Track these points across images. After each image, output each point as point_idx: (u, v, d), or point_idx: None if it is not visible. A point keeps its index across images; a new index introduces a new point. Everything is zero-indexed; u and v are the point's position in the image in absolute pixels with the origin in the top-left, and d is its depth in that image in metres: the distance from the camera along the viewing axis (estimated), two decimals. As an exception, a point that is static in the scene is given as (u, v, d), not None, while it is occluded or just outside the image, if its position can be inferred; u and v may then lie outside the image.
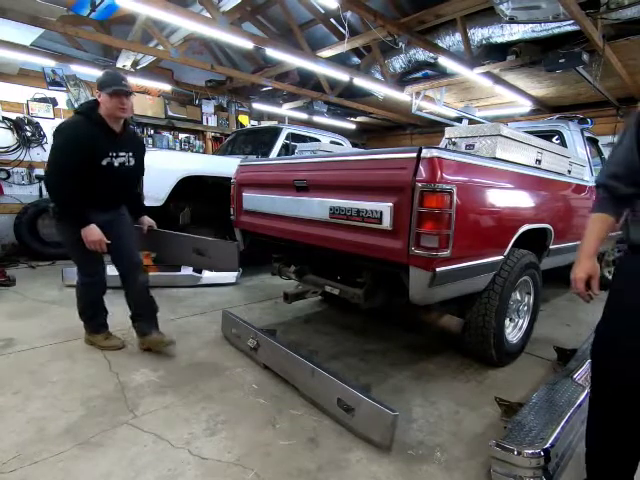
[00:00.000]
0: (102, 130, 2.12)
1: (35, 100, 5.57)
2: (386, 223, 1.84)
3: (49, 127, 5.67)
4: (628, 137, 1.20)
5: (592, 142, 3.82)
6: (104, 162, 2.13)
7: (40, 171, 5.61)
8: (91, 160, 2.09)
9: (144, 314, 2.43)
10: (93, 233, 2.12)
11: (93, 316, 2.43)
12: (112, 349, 2.42)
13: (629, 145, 1.18)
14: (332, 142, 5.08)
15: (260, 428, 1.73)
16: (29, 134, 5.48)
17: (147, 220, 2.57)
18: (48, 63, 5.18)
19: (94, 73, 5.47)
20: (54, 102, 5.74)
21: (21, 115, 5.44)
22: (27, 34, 4.24)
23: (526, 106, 6.44)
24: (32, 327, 2.79)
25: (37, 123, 5.55)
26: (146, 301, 2.44)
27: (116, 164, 2.18)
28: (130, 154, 2.26)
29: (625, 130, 1.23)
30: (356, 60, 6.26)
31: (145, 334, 2.40)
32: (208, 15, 4.08)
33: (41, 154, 5.63)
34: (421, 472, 1.52)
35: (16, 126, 5.37)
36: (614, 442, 1.24)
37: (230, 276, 4.06)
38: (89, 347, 2.47)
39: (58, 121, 5.76)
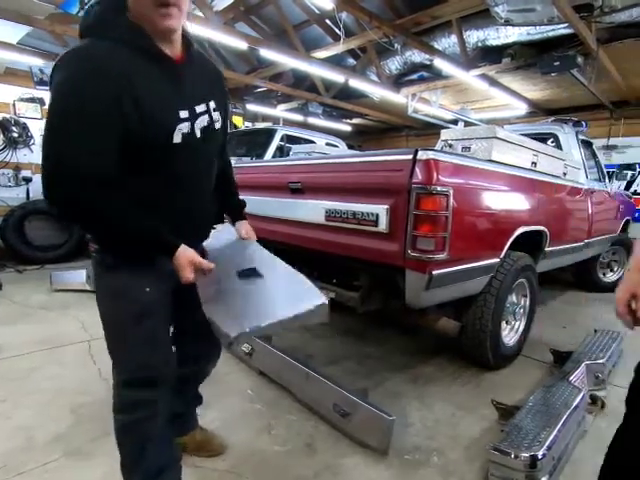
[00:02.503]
0: (149, 59, 0.96)
1: (22, 100, 5.45)
2: (382, 225, 1.82)
3: (37, 128, 5.55)
4: None
5: (587, 145, 3.85)
6: (176, 137, 1.00)
7: (27, 173, 5.48)
8: (147, 133, 0.95)
9: (189, 413, 1.55)
10: (185, 256, 0.99)
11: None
12: None
13: None
14: (327, 144, 5.05)
15: (255, 434, 1.70)
16: (16, 135, 5.35)
17: (247, 229, 1.37)
18: (36, 62, 5.06)
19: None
20: (42, 102, 5.61)
21: (7, 115, 5.33)
22: (14, 32, 4.16)
23: (521, 109, 6.48)
24: (20, 333, 2.72)
25: (24, 124, 5.44)
26: (198, 397, 1.58)
27: (198, 133, 1.06)
28: (212, 103, 1.12)
29: None
30: (351, 61, 6.25)
31: (183, 432, 1.52)
32: (201, 14, 4.05)
33: (28, 155, 5.51)
34: (418, 477, 1.50)
35: (2, 127, 5.25)
36: None
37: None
38: (79, 353, 2.41)
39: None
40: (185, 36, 1.06)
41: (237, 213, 1.40)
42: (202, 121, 1.07)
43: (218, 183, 1.29)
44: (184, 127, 1.02)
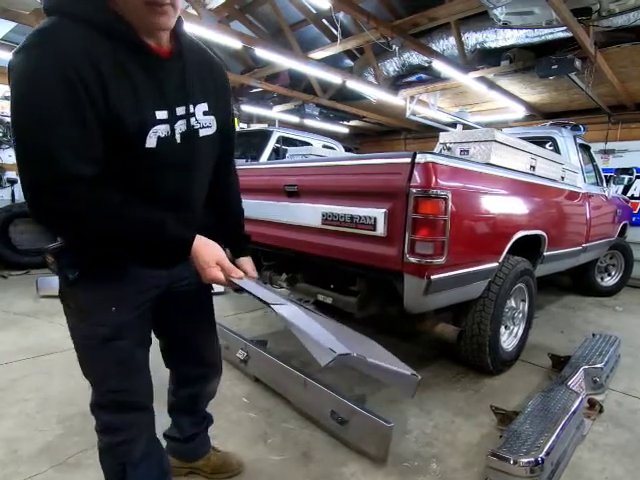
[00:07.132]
0: (126, 50, 0.82)
1: (6, 98, 5.29)
2: (380, 230, 1.79)
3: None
4: None
5: (584, 149, 3.85)
6: (150, 141, 0.85)
7: (12, 174, 5.34)
8: (114, 132, 0.80)
9: (201, 436, 1.43)
10: (208, 253, 0.93)
11: None
12: None
13: None
14: (324, 146, 5.03)
15: (251, 443, 1.67)
16: (0, 134, 5.25)
17: (252, 267, 1.16)
18: (21, 59, 4.98)
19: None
20: (28, 101, 5.55)
21: (-10, 114, 5.21)
22: (-3, 27, 4.03)
23: (520, 112, 6.47)
24: (3, 341, 2.64)
25: (8, 123, 5.31)
26: (207, 418, 1.44)
27: (178, 137, 0.90)
28: (204, 105, 0.96)
29: None
30: (349, 62, 6.23)
31: (197, 456, 1.45)
32: (194, 12, 3.99)
33: (13, 156, 5.41)
34: (417, 486, 1.48)
35: (-15, 126, 5.14)
36: None
37: (217, 285, 3.94)
38: (66, 361, 2.33)
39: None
40: (175, 27, 0.88)
41: (241, 248, 1.18)
42: (184, 125, 0.91)
43: (219, 209, 1.14)
44: (160, 130, 0.86)
